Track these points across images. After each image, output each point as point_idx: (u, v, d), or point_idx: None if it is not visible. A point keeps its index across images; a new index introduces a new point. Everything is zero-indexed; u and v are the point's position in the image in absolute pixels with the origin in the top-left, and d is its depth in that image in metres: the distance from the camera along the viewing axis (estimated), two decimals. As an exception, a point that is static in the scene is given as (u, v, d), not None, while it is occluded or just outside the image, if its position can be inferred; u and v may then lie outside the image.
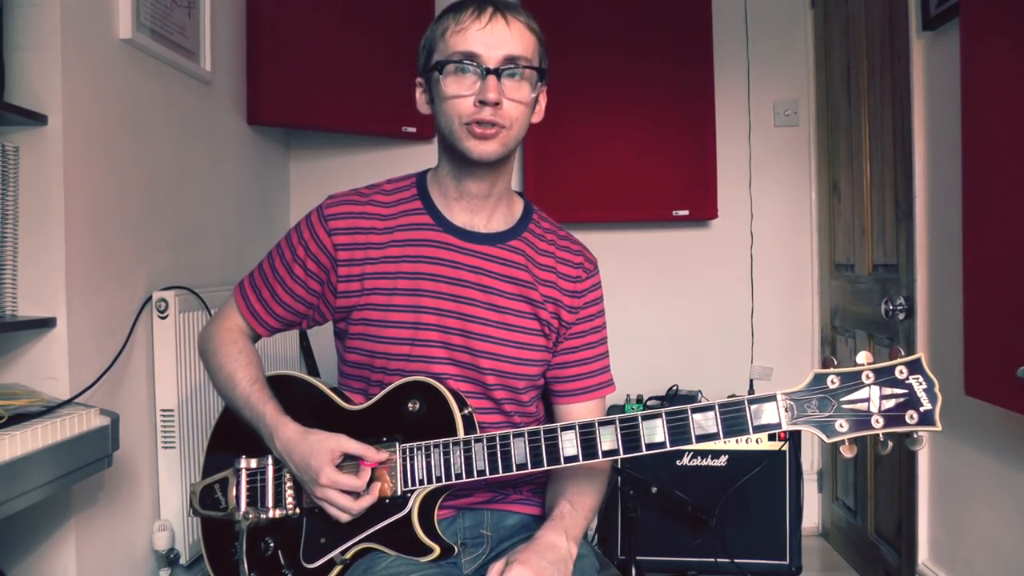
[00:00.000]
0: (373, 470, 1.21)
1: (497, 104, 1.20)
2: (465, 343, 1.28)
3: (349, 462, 1.21)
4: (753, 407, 1.09)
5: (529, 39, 1.23)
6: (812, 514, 3.05)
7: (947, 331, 2.04)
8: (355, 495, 1.20)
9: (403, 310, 1.28)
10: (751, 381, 2.77)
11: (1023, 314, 1.61)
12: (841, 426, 1.06)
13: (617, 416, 1.14)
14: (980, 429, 1.95)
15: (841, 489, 2.89)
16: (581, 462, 1.15)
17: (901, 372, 1.06)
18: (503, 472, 1.17)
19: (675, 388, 2.78)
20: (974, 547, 2.04)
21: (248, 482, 1.29)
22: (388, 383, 1.28)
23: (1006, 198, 1.67)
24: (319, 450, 1.20)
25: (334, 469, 1.19)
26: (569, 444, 1.15)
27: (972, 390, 1.80)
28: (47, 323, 1.69)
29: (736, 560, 2.48)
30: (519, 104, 1.22)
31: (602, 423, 1.14)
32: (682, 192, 2.96)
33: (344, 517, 1.20)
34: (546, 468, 1.16)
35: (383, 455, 1.21)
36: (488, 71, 1.19)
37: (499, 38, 1.20)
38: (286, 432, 1.23)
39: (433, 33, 1.26)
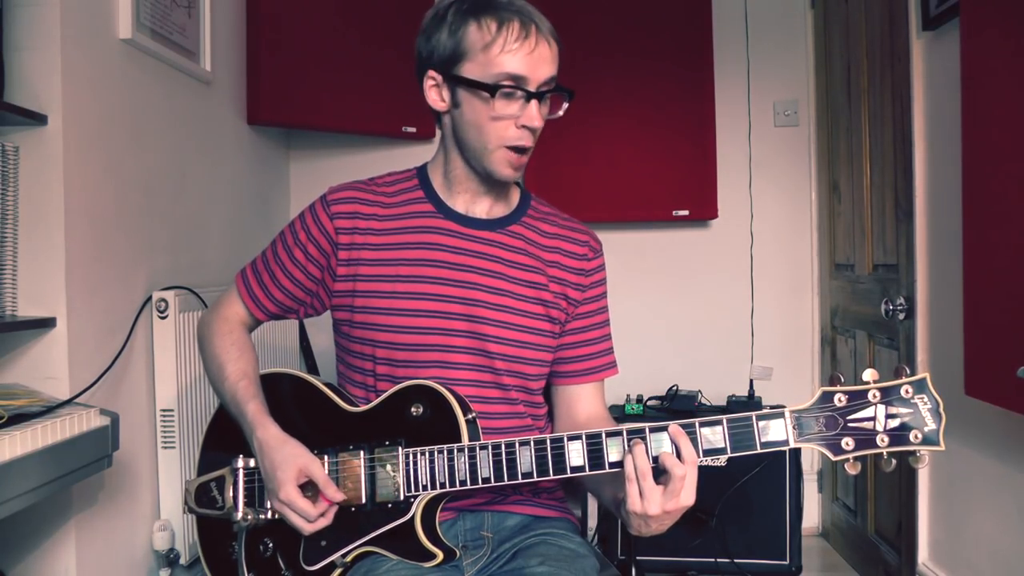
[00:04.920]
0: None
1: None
2: (472, 328, 1.28)
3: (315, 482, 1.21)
4: (761, 423, 1.10)
5: (557, 54, 1.25)
6: (812, 514, 3.05)
7: (947, 331, 2.04)
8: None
9: (407, 297, 1.28)
10: (751, 381, 2.77)
11: (1023, 314, 1.61)
12: (847, 444, 1.07)
13: (624, 427, 1.13)
14: (980, 429, 1.95)
15: (841, 489, 2.89)
16: (588, 472, 1.14)
17: (907, 391, 1.07)
18: (508, 480, 1.16)
19: (675, 388, 2.78)
20: (974, 547, 2.04)
21: (246, 482, 1.28)
22: (393, 375, 1.28)
23: (1006, 198, 1.67)
24: (288, 465, 1.19)
25: (295, 488, 1.18)
26: (576, 454, 1.14)
27: (972, 390, 1.80)
28: (47, 323, 1.69)
29: (736, 560, 2.48)
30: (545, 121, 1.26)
31: (609, 434, 1.14)
32: (682, 192, 2.96)
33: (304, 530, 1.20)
34: (552, 477, 1.16)
35: (340, 496, 1.20)
36: (531, 95, 1.21)
37: (543, 60, 1.22)
38: (264, 434, 1.23)
39: (465, 34, 1.21)
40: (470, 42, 1.21)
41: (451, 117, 1.27)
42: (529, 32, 1.20)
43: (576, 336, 1.37)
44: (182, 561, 2.09)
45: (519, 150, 1.24)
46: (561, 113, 1.29)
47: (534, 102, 1.21)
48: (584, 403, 1.39)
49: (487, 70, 1.20)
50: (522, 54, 1.19)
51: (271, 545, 1.28)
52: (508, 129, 1.22)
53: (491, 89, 1.20)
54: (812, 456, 3.08)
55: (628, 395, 2.73)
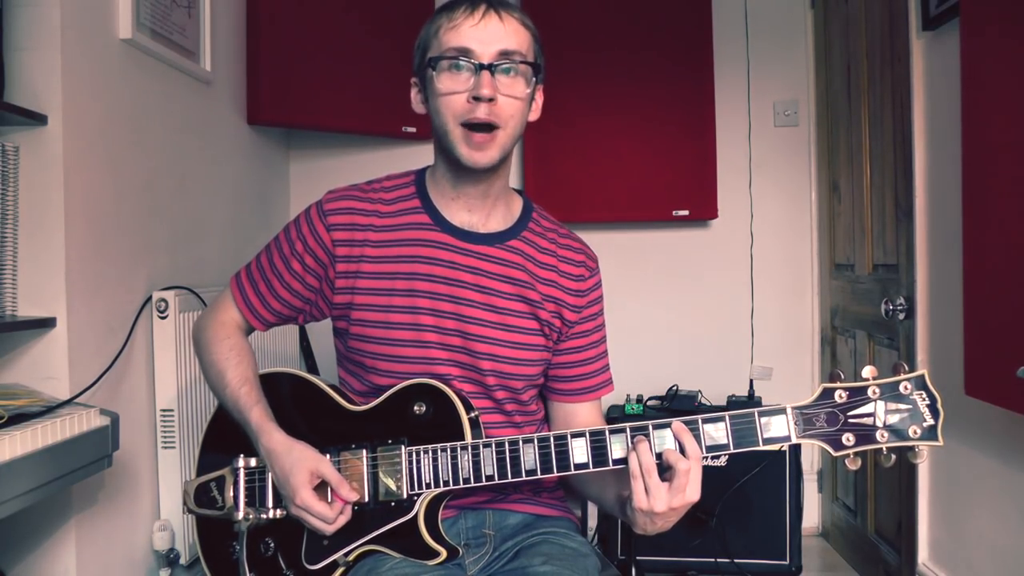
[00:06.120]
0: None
1: (491, 100, 1.19)
2: (464, 344, 1.28)
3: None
4: (763, 420, 1.10)
5: (523, 35, 1.23)
6: (812, 514, 3.05)
7: (947, 331, 2.04)
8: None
9: (401, 311, 1.27)
10: (751, 381, 2.77)
11: (1023, 314, 1.61)
12: (848, 440, 1.09)
13: (628, 424, 1.14)
14: (980, 429, 1.95)
15: (841, 489, 2.89)
16: (591, 469, 1.14)
17: (905, 388, 1.09)
18: (512, 477, 1.16)
19: (675, 388, 2.78)
20: (974, 547, 2.04)
21: (247, 481, 1.28)
22: (388, 385, 1.27)
23: (1006, 198, 1.67)
24: (299, 469, 1.19)
25: (310, 492, 1.19)
26: (579, 451, 1.15)
27: (972, 390, 1.80)
28: (47, 323, 1.69)
29: (736, 560, 2.48)
30: (514, 100, 1.22)
31: (613, 431, 1.14)
32: (682, 192, 2.96)
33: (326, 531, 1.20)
34: (556, 475, 1.16)
35: (354, 496, 1.20)
36: (481, 66, 1.19)
37: (492, 33, 1.20)
38: (270, 441, 1.23)
39: (427, 32, 1.26)
40: (428, 36, 1.25)
41: (429, 115, 1.27)
42: (476, 8, 1.21)
43: (573, 356, 1.37)
44: (182, 561, 2.09)
45: (474, 127, 1.20)
46: (530, 91, 1.24)
47: (484, 72, 1.18)
48: (580, 418, 1.38)
49: (436, 51, 1.22)
50: (465, 27, 1.20)
51: (272, 545, 1.28)
52: (460, 103, 1.20)
53: (434, 62, 1.21)
54: (812, 456, 3.09)
55: (628, 395, 2.73)
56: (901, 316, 2.26)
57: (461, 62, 1.20)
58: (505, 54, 1.20)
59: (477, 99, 1.18)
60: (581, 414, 1.38)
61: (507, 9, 1.23)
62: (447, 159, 1.26)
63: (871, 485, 2.59)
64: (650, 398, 2.76)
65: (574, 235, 1.41)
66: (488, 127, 1.20)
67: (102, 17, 1.87)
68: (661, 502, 1.09)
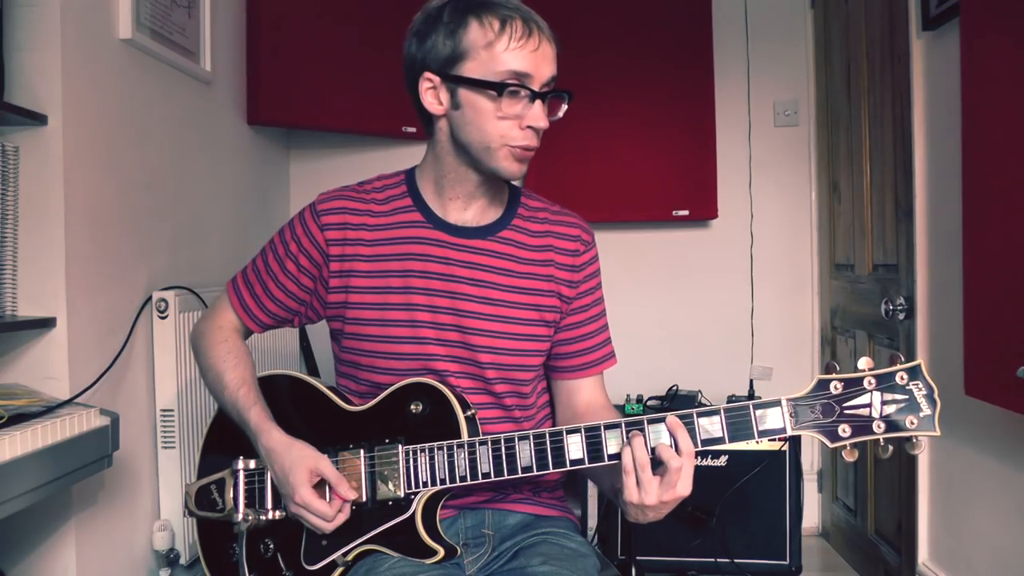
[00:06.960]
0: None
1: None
2: (461, 338, 1.28)
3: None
4: (758, 412, 1.10)
5: (557, 55, 1.24)
6: (812, 514, 3.05)
7: (947, 331, 2.04)
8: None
9: (397, 308, 1.28)
10: (751, 381, 2.77)
11: (1023, 314, 1.61)
12: (844, 431, 1.08)
13: (623, 420, 1.14)
14: (980, 429, 1.95)
15: (841, 489, 2.89)
16: (587, 465, 1.15)
17: (902, 378, 1.08)
18: (508, 475, 1.16)
19: (675, 388, 2.78)
20: (974, 547, 2.04)
21: (246, 483, 1.28)
22: (386, 383, 1.27)
23: (1006, 198, 1.67)
24: (298, 467, 1.19)
25: (309, 490, 1.19)
26: (575, 447, 1.15)
27: (972, 390, 1.80)
28: (47, 323, 1.69)
29: (736, 560, 2.47)
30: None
31: (608, 426, 1.14)
32: (682, 192, 2.96)
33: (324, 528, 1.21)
34: (552, 471, 1.16)
35: (352, 495, 1.20)
36: (535, 95, 1.20)
37: (545, 59, 1.21)
38: (269, 440, 1.23)
39: (463, 32, 1.19)
40: (471, 41, 1.19)
41: (448, 120, 1.24)
42: (532, 30, 1.19)
43: (573, 332, 1.36)
44: (182, 561, 2.09)
45: (525, 148, 1.22)
46: (560, 115, 1.27)
47: (539, 102, 1.20)
48: (583, 394, 1.38)
49: (491, 68, 1.18)
50: (526, 51, 1.18)
51: (271, 546, 1.28)
52: (512, 129, 1.20)
53: (499, 87, 1.18)
54: (812, 456, 3.09)
55: (628, 395, 2.73)
56: (901, 316, 2.26)
57: (520, 89, 1.19)
58: (553, 79, 1.22)
59: (531, 127, 1.20)
60: (585, 390, 1.38)
61: (549, 32, 1.23)
62: (475, 168, 1.26)
63: (871, 485, 2.59)
64: (650, 398, 2.76)
65: (567, 211, 1.40)
66: (531, 149, 1.24)
67: (102, 17, 1.87)
68: (652, 496, 1.09)
